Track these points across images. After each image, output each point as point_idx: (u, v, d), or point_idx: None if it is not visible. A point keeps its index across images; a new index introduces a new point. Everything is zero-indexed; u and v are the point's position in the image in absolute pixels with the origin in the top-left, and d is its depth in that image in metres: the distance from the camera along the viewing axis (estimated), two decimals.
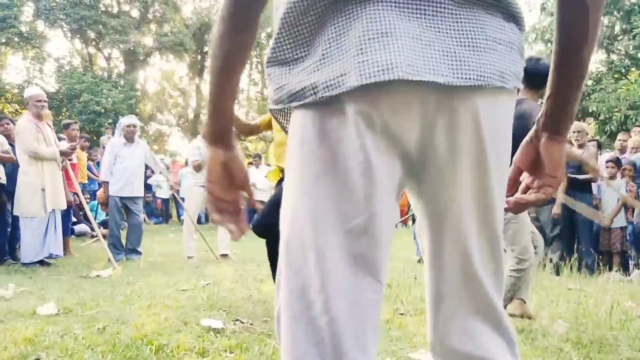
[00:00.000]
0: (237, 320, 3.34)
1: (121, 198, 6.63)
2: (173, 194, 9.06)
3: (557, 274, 5.65)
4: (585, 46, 0.92)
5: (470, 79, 0.81)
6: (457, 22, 0.82)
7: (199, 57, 26.16)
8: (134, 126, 6.76)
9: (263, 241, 3.45)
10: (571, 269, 5.36)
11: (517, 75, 0.88)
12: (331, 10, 0.83)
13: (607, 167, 6.74)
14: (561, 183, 0.98)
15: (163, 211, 14.76)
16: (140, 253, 6.72)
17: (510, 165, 0.97)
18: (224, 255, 6.86)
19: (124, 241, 6.80)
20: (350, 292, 0.85)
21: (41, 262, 5.74)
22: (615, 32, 15.51)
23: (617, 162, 6.76)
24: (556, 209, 6.38)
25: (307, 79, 0.84)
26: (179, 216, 14.61)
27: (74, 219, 8.11)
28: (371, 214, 0.85)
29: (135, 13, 22.72)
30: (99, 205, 8.64)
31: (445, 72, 0.80)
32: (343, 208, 0.84)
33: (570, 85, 0.95)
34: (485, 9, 0.85)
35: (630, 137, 7.45)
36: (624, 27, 15.06)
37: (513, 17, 0.90)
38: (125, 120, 6.83)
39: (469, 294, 0.92)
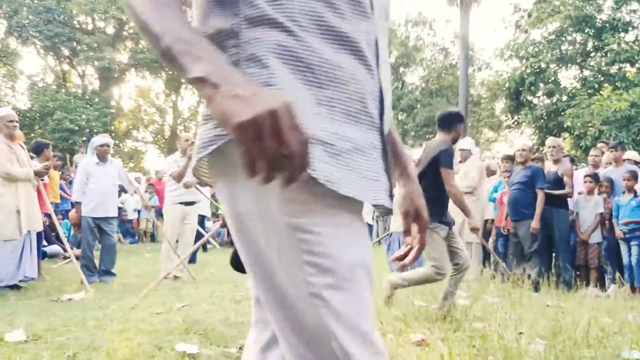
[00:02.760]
0: (213, 344, 3.27)
1: (94, 219, 6.50)
2: (151, 214, 8.94)
3: (536, 290, 5.67)
4: None
5: None
6: None
7: (175, 73, 26.06)
8: (107, 145, 6.66)
9: None
10: (549, 284, 5.39)
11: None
12: None
13: (585, 182, 6.81)
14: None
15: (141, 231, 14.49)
16: (114, 274, 6.58)
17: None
18: (177, 277, 6.71)
19: (97, 262, 6.65)
20: None
21: (11, 286, 5.58)
22: (587, 49, 15.84)
23: (594, 177, 6.83)
24: (535, 224, 6.41)
25: None
26: (151, 236, 14.38)
27: (44, 242, 7.91)
28: None
29: (110, 30, 22.57)
30: (72, 226, 8.46)
31: None
32: None
33: None
34: None
35: (603, 152, 7.56)
36: (596, 44, 15.39)
37: None
38: (97, 140, 6.72)
39: None
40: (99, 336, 3.40)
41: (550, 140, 7.30)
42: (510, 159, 7.85)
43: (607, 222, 6.66)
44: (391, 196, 1.08)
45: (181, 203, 6.77)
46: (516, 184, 6.66)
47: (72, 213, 6.68)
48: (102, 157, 6.59)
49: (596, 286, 6.42)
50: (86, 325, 3.78)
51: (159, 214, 10.08)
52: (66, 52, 21.74)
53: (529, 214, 6.48)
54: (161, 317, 4.08)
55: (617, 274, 6.00)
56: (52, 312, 4.36)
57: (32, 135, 17.24)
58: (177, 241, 6.84)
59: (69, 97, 19.82)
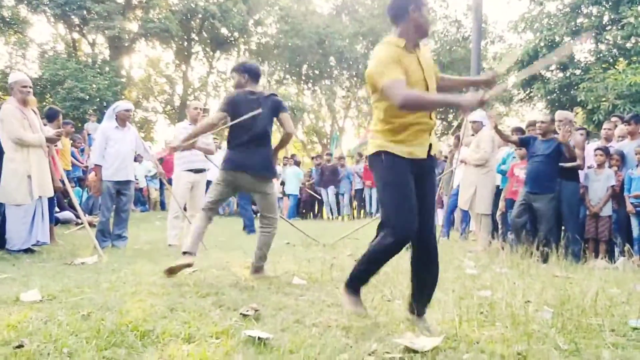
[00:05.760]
0: (224, 306, 3.32)
1: (114, 183, 6.55)
2: (161, 180, 8.97)
3: (545, 261, 5.67)
4: None
5: None
6: None
7: (185, 43, 25.89)
8: (131, 110, 6.76)
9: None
10: (558, 256, 5.39)
11: None
12: None
13: (596, 154, 6.76)
14: None
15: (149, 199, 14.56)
16: (126, 238, 6.65)
17: None
18: (171, 245, 6.74)
19: (111, 228, 6.72)
20: None
21: (25, 250, 5.67)
22: (603, 22, 15.53)
23: (605, 150, 6.77)
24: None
25: None
26: (161, 204, 14.46)
27: (57, 209, 7.98)
28: None
29: None
30: (89, 190, 8.52)
31: None
32: None
33: None
34: None
35: (616, 126, 7.49)
36: (612, 17, 15.07)
37: None
38: (123, 105, 6.75)
39: None
40: (112, 297, 3.46)
41: (558, 114, 7.18)
42: (520, 131, 7.78)
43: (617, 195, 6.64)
44: None
45: (190, 170, 6.80)
46: (539, 156, 6.41)
47: (92, 176, 6.69)
48: (122, 122, 6.62)
49: (604, 258, 6.43)
50: (99, 287, 3.83)
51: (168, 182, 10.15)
52: (76, 20, 21.57)
53: (550, 186, 6.34)
54: (173, 281, 4.13)
55: (627, 246, 6.00)
56: (66, 274, 4.43)
57: (44, 103, 17.23)
58: (185, 209, 6.88)
59: (79, 66, 19.74)
